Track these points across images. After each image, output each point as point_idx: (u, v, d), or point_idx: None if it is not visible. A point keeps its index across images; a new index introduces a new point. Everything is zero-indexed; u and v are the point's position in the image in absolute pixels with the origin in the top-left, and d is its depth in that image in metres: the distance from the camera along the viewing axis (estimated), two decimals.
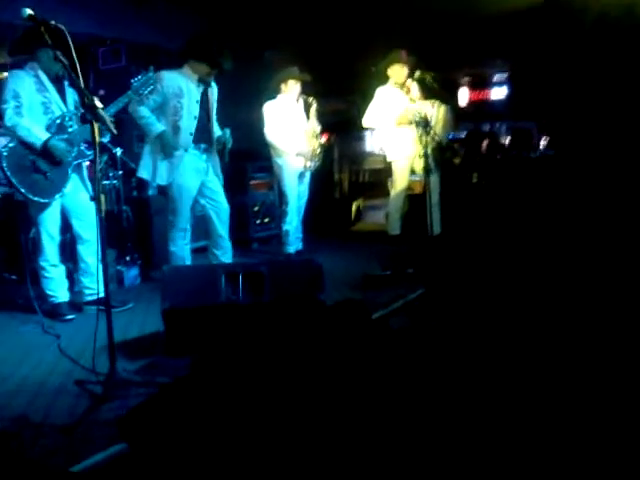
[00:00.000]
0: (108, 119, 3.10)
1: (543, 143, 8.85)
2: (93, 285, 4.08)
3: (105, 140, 4.13)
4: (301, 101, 5.86)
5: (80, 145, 4.06)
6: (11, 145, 3.88)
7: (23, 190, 3.87)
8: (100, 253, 3.01)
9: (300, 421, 2.29)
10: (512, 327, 3.52)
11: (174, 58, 5.04)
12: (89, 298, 4.19)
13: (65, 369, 3.21)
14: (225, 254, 4.75)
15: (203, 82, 4.59)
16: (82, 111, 4.08)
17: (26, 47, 3.97)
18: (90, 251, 4.14)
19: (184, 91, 4.49)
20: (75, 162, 4.06)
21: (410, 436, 2.27)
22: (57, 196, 3.98)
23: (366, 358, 2.74)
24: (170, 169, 4.52)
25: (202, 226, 5.01)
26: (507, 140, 9.15)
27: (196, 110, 4.54)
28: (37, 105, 3.93)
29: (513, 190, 7.28)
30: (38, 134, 3.87)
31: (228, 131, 4.65)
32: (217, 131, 4.74)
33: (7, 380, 3.07)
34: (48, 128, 3.95)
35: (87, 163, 4.29)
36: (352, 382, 2.56)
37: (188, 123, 4.50)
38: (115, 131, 3.22)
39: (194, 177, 4.57)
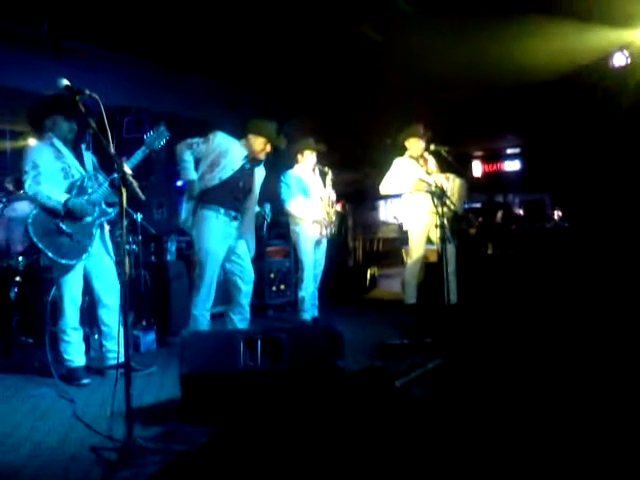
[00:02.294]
0: (136, 184, 3.17)
1: (557, 214, 8.92)
2: (115, 348, 4.06)
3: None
4: (317, 170, 5.97)
5: (102, 204, 4.15)
6: (34, 212, 4.00)
7: (50, 254, 3.94)
8: (122, 317, 3.01)
9: None
10: (529, 396, 3.45)
11: (194, 127, 5.18)
12: (112, 362, 4.17)
13: (80, 435, 3.16)
14: (243, 321, 4.72)
15: (252, 159, 4.72)
16: (101, 172, 4.21)
17: (45, 115, 4.14)
18: (111, 315, 4.17)
19: (229, 155, 4.61)
20: (98, 221, 4.15)
21: None
22: (84, 256, 4.04)
23: (390, 429, 2.69)
24: (198, 223, 4.59)
25: (220, 291, 5.00)
26: (520, 211, 9.24)
27: (230, 175, 4.60)
28: (57, 171, 4.06)
29: (528, 260, 7.28)
30: (58, 197, 3.98)
31: (268, 206, 4.83)
32: (256, 208, 4.87)
33: (21, 446, 3.02)
34: (69, 191, 4.06)
35: (107, 227, 4.38)
36: (374, 453, 2.50)
37: (219, 184, 4.58)
38: (143, 197, 3.28)
39: (221, 242, 4.60)
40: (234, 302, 4.73)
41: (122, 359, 4.20)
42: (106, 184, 4.11)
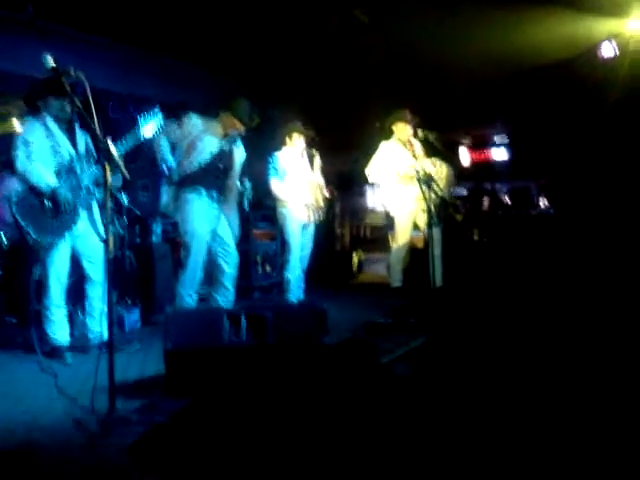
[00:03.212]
0: (121, 163, 3.17)
1: (542, 202, 8.98)
2: (98, 328, 4.10)
3: (117, 184, 4.21)
4: (305, 154, 5.96)
5: (90, 185, 4.14)
6: (20, 190, 3.99)
7: (31, 232, 3.92)
8: (106, 294, 3.01)
9: (300, 464, 2.25)
10: (510, 373, 3.49)
11: (174, 111, 5.16)
12: (95, 340, 4.19)
13: (62, 408, 3.16)
14: (226, 303, 4.75)
15: (228, 137, 4.74)
16: (93, 153, 4.19)
17: (41, 96, 4.12)
18: (97, 293, 4.17)
19: (206, 137, 4.63)
20: (84, 202, 4.13)
21: None
22: (66, 234, 4.03)
23: (370, 403, 2.71)
24: (181, 206, 4.62)
25: (205, 274, 4.99)
26: (507, 198, 9.29)
27: (208, 158, 4.63)
28: (47, 149, 4.06)
29: (513, 246, 7.33)
30: (48, 180, 3.97)
31: (248, 183, 4.89)
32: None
33: (4, 417, 3.02)
34: (57, 172, 4.05)
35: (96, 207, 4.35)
36: (353, 426, 2.52)
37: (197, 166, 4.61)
38: (128, 175, 3.28)
39: (205, 223, 4.63)
40: (217, 284, 4.76)
41: (106, 336, 4.26)
42: (94, 166, 4.10)
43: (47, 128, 4.07)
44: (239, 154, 4.88)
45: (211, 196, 4.64)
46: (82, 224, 4.13)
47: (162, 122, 4.16)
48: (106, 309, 3.02)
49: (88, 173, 4.10)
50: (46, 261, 4.06)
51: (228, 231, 4.77)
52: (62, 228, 4.01)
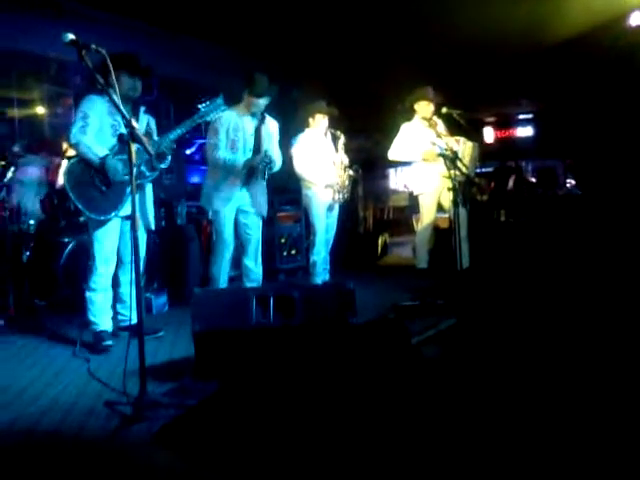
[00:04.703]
0: (145, 140, 3.14)
1: (569, 182, 8.82)
2: (127, 312, 4.08)
3: (164, 166, 4.13)
4: (329, 134, 5.90)
5: (141, 166, 3.99)
6: (72, 162, 3.98)
7: (80, 205, 3.90)
8: (134, 276, 2.99)
9: (328, 445, 2.23)
10: (538, 355, 3.44)
11: (203, 92, 5.16)
12: (125, 324, 4.16)
13: (95, 391, 3.19)
14: (253, 283, 4.75)
15: (255, 115, 4.75)
16: (153, 137, 4.11)
17: (108, 71, 4.02)
18: (127, 276, 4.05)
19: (240, 129, 4.68)
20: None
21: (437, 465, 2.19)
22: (113, 214, 3.93)
23: (401, 385, 2.68)
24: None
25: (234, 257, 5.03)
26: (533, 178, 9.14)
27: (251, 143, 4.69)
28: (107, 127, 3.96)
29: (540, 227, 7.22)
30: (97, 152, 3.89)
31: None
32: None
33: (37, 400, 3.06)
34: (112, 148, 3.95)
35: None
36: (383, 407, 2.49)
37: (244, 155, 4.67)
38: (152, 152, 3.25)
39: (230, 205, 4.68)
40: (242, 266, 4.83)
41: (134, 321, 4.27)
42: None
43: (111, 105, 3.81)
44: (267, 130, 4.85)
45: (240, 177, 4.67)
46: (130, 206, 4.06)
47: (224, 110, 4.07)
48: (134, 292, 3.00)
49: (143, 155, 3.83)
50: (94, 238, 3.97)
51: (251, 212, 4.78)
52: (109, 206, 3.92)
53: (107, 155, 3.89)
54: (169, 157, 4.03)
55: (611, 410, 2.61)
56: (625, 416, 2.53)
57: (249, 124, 4.73)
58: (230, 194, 4.66)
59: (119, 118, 3.84)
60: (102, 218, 3.93)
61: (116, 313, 4.25)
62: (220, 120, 4.55)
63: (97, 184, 3.92)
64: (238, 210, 4.73)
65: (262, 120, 4.79)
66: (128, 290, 4.02)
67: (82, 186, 3.91)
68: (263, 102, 4.71)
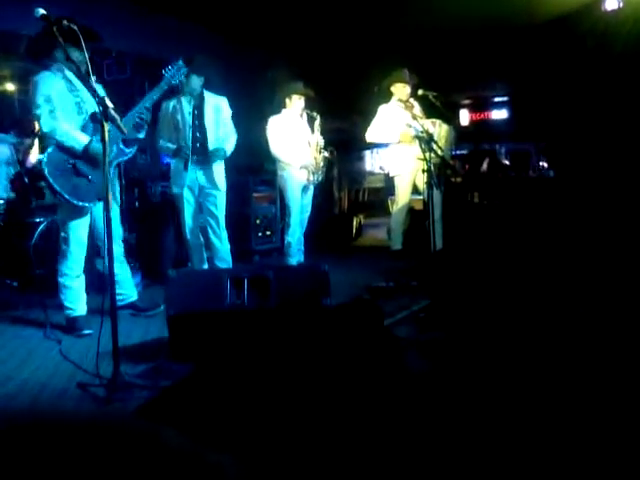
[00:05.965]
0: (118, 118, 3.08)
1: (542, 164, 8.90)
2: (120, 291, 4.00)
3: (141, 136, 4.03)
4: (305, 115, 5.87)
5: (119, 144, 3.87)
6: (49, 151, 3.71)
7: (67, 196, 3.68)
8: (107, 255, 2.96)
9: (302, 424, 2.25)
10: (511, 335, 3.50)
11: None
12: (122, 303, 4.07)
13: (67, 373, 3.17)
14: (222, 262, 4.91)
15: (192, 95, 4.88)
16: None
17: (44, 48, 3.82)
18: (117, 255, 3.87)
19: (177, 108, 4.86)
20: (115, 161, 3.92)
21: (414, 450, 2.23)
22: (96, 201, 3.77)
23: (373, 365, 2.71)
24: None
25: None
26: (506, 160, 9.21)
27: (190, 122, 4.82)
28: (71, 106, 3.77)
29: (513, 209, 7.30)
30: (78, 138, 3.72)
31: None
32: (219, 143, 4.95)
33: (8, 382, 3.03)
34: (84, 129, 3.79)
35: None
36: (355, 388, 2.52)
37: (188, 136, 4.81)
38: (126, 131, 3.20)
39: (186, 188, 4.86)
40: (210, 247, 5.00)
41: (133, 298, 4.32)
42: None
43: (68, 81, 3.75)
44: (210, 107, 4.94)
45: (192, 160, 4.85)
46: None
47: (185, 72, 4.14)
48: (107, 271, 2.97)
49: (115, 130, 3.60)
50: (69, 225, 3.84)
51: (212, 193, 4.93)
52: (95, 192, 3.73)
53: (91, 140, 3.72)
54: (146, 126, 3.96)
55: (590, 392, 2.67)
56: (608, 405, 2.58)
57: (186, 105, 4.86)
58: (184, 176, 4.83)
59: (81, 94, 3.80)
60: (90, 205, 3.78)
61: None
62: (160, 109, 4.82)
63: (82, 172, 3.73)
64: (200, 191, 4.89)
65: (201, 98, 4.90)
66: (119, 269, 3.97)
67: (64, 175, 3.69)
68: (196, 81, 4.82)
